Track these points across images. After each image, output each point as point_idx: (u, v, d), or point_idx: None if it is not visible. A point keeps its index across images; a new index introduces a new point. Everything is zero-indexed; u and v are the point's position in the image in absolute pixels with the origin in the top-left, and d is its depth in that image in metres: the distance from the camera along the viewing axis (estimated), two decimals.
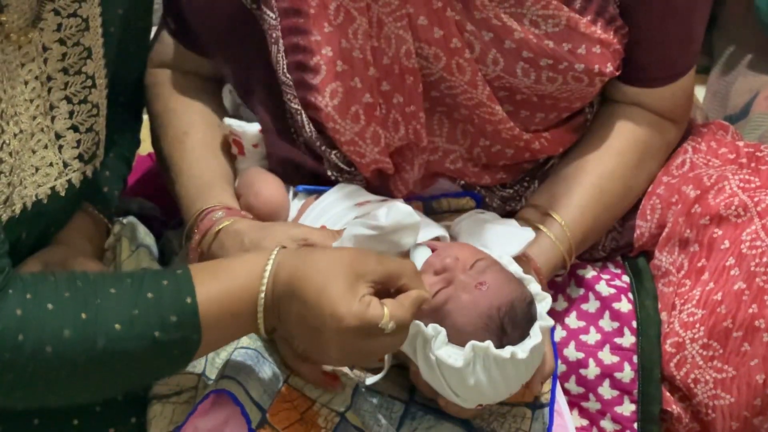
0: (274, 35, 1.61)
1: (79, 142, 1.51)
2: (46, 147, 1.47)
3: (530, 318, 1.46)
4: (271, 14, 1.61)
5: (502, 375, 1.44)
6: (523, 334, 1.45)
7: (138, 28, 1.67)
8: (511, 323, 1.45)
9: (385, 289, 1.39)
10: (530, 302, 1.47)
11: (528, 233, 1.57)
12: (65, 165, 1.49)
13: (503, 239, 1.56)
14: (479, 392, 1.46)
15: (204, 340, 1.35)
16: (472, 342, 1.42)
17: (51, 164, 1.48)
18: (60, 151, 1.49)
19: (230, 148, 1.72)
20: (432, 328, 1.43)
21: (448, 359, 1.42)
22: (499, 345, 1.43)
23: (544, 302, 1.48)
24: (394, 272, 1.38)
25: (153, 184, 1.89)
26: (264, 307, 1.36)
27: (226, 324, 1.37)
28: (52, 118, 1.48)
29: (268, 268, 1.37)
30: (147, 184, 1.93)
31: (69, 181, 1.50)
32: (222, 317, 1.36)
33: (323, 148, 1.63)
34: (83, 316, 1.30)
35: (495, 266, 1.49)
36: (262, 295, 1.36)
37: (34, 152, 1.46)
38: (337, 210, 1.62)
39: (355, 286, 1.35)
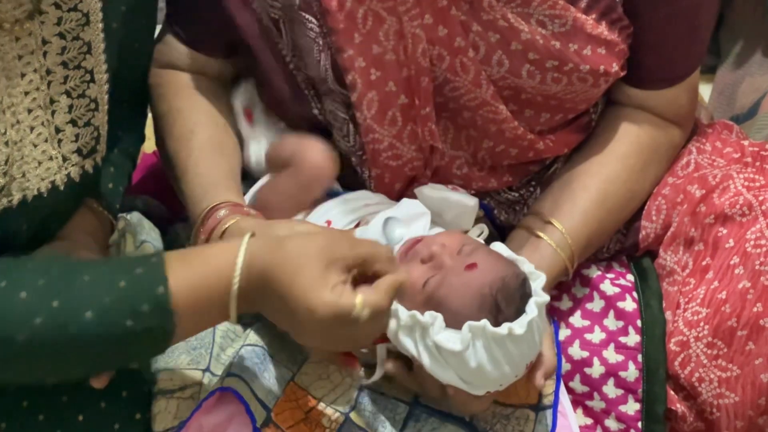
0: (320, 42, 1.60)
1: (77, 136, 1.50)
2: (46, 141, 1.47)
3: (524, 294, 1.47)
4: (314, 20, 1.59)
5: (503, 353, 1.44)
6: (518, 311, 1.46)
7: (142, 24, 1.65)
8: (505, 300, 1.45)
9: (365, 272, 1.37)
10: (523, 279, 1.48)
11: (471, 200, 1.61)
12: (64, 159, 1.49)
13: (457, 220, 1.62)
14: (484, 375, 1.45)
15: (177, 329, 1.34)
16: (469, 322, 1.43)
17: (51, 158, 1.48)
18: (59, 145, 1.49)
19: (234, 148, 1.72)
20: (429, 315, 1.44)
21: (447, 343, 1.43)
22: (496, 323, 1.44)
23: (538, 280, 1.50)
24: (368, 256, 1.37)
25: (158, 182, 1.89)
26: (238, 296, 1.35)
27: (198, 312, 1.35)
28: (53, 113, 1.47)
29: (239, 260, 1.35)
30: (152, 182, 1.93)
31: (68, 175, 1.50)
32: (195, 306, 1.34)
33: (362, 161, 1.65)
34: (55, 304, 1.30)
35: (482, 248, 1.51)
36: (235, 288, 1.35)
37: (35, 146, 1.46)
38: (345, 207, 1.62)
39: (327, 273, 1.33)
